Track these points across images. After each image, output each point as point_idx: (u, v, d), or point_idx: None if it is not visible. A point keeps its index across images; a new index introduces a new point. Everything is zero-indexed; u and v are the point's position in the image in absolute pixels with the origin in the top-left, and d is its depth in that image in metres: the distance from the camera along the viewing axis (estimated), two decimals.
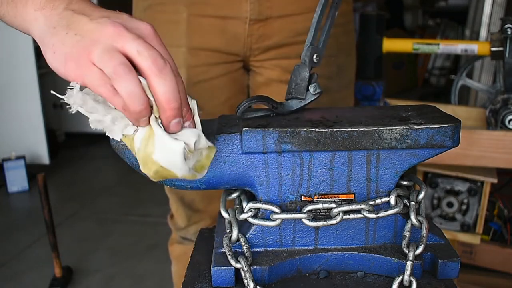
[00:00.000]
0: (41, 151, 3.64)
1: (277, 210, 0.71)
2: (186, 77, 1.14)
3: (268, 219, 0.72)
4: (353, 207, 0.71)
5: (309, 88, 0.78)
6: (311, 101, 0.78)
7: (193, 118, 0.63)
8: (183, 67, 1.13)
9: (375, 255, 0.74)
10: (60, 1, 0.61)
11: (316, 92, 0.78)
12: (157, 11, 1.13)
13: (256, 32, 1.10)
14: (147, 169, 0.61)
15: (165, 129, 0.59)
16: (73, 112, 0.61)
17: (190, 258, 0.80)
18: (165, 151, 0.59)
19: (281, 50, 1.12)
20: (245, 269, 0.69)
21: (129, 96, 0.56)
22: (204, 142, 0.62)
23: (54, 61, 0.60)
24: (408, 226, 0.72)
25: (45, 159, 3.64)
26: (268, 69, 1.15)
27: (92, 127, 0.62)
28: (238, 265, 0.70)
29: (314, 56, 0.79)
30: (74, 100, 0.60)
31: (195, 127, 0.62)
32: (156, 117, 0.59)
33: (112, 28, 0.57)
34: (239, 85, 1.19)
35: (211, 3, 1.08)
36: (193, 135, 0.61)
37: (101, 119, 0.60)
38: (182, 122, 0.61)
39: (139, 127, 0.60)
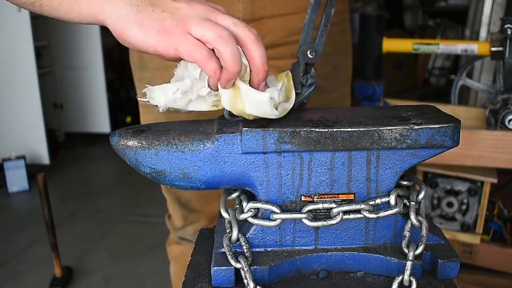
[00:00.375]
0: (41, 151, 3.64)
1: (277, 210, 0.71)
2: None
3: (268, 219, 0.72)
4: (353, 207, 0.71)
5: (302, 80, 0.78)
6: (308, 93, 0.78)
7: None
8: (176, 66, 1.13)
9: (375, 255, 0.74)
10: None
11: (308, 83, 0.78)
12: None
13: None
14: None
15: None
16: (164, 111, 0.68)
17: (190, 258, 0.80)
18: (255, 103, 0.67)
19: (275, 50, 1.12)
20: (245, 269, 0.69)
21: (232, 57, 0.62)
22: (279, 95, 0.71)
23: (141, 35, 0.64)
24: (408, 226, 0.72)
25: (45, 159, 3.64)
26: None
27: (187, 109, 0.70)
28: (238, 265, 0.70)
29: (308, 52, 0.79)
30: (156, 96, 0.68)
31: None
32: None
33: (201, 5, 0.64)
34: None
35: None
36: (274, 91, 0.70)
37: (187, 96, 0.68)
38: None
39: (224, 89, 0.67)
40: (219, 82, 0.67)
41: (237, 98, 0.68)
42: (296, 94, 0.77)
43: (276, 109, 0.68)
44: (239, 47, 0.64)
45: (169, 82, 0.66)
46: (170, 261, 1.42)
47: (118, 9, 0.65)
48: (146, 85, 0.69)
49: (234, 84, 0.67)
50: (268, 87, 0.71)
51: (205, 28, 0.62)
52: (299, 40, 0.79)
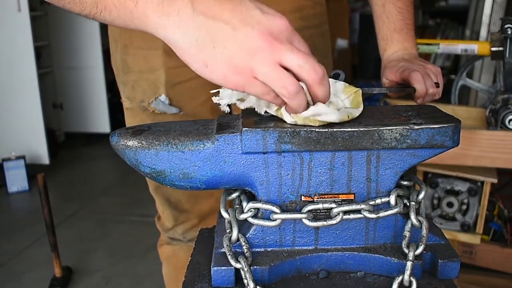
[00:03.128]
0: (41, 151, 3.64)
1: (277, 210, 0.71)
2: (165, 78, 1.14)
3: (268, 219, 0.72)
4: (353, 207, 0.71)
5: None
6: None
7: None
8: (161, 69, 1.13)
9: (375, 255, 0.74)
10: (181, 2, 0.60)
11: None
12: None
13: None
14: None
15: None
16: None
17: (185, 258, 0.80)
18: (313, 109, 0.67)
19: None
20: (245, 269, 0.69)
21: (298, 107, 0.64)
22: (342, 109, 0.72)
23: (208, 74, 0.62)
24: (408, 226, 0.72)
25: (45, 159, 3.64)
26: None
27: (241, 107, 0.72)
28: (238, 265, 0.70)
29: None
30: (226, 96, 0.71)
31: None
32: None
33: (262, 41, 0.60)
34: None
35: None
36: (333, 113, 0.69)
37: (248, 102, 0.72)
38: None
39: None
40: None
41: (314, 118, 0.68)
42: None
43: (348, 117, 0.69)
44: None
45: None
46: (162, 262, 1.42)
47: (174, 38, 0.62)
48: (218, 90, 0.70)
49: None
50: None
51: (271, 80, 0.61)
52: None
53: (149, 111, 1.17)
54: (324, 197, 0.72)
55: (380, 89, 0.87)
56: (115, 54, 1.20)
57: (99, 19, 0.64)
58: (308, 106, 0.66)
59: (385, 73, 1.04)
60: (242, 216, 0.72)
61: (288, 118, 0.69)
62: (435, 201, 1.73)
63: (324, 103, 0.66)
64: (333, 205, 0.71)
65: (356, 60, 5.74)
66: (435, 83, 0.96)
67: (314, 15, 1.18)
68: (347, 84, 0.76)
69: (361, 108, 0.73)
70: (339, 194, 0.72)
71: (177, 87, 1.15)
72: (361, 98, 0.75)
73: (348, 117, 0.70)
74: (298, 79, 0.62)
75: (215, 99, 0.72)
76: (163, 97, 1.15)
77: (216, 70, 0.61)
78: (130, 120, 1.21)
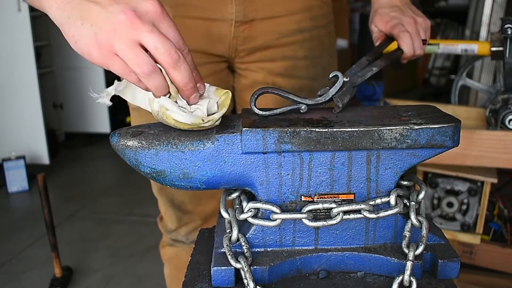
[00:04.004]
0: (41, 151, 3.63)
1: (277, 210, 0.71)
2: None
3: (268, 219, 0.72)
4: (353, 207, 0.71)
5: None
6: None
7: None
8: None
9: (375, 255, 0.74)
10: None
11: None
12: None
13: (241, 34, 1.10)
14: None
15: (187, 102, 0.70)
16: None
17: (189, 258, 0.80)
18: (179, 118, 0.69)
19: (266, 52, 1.13)
20: (245, 269, 0.69)
21: (155, 89, 0.66)
22: (214, 106, 0.73)
23: (78, 50, 0.66)
24: (408, 226, 0.72)
25: (45, 159, 3.64)
26: (253, 71, 1.15)
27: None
28: (238, 265, 0.70)
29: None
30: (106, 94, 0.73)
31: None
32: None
33: (124, 16, 0.63)
34: (224, 86, 1.18)
35: (196, 4, 1.08)
36: (204, 103, 0.71)
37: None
38: (199, 93, 0.70)
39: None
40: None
41: (165, 112, 0.70)
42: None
43: (203, 120, 0.69)
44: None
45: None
46: (164, 263, 1.42)
47: (55, 17, 0.67)
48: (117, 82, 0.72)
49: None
50: (202, 98, 0.72)
51: (127, 56, 0.63)
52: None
53: None
54: (324, 197, 0.72)
55: (372, 71, 0.87)
56: None
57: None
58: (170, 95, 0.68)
59: (374, 20, 1.05)
60: (242, 216, 0.72)
61: (147, 106, 0.70)
62: (435, 201, 1.73)
63: (185, 89, 0.67)
64: (333, 205, 0.71)
65: (356, 60, 5.72)
66: (423, 40, 0.98)
67: (323, 15, 1.19)
68: (218, 87, 0.76)
69: (223, 110, 0.73)
70: (339, 194, 0.72)
71: None
72: (228, 101, 0.74)
73: (203, 120, 0.69)
74: (155, 61, 0.64)
75: (133, 104, 0.74)
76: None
77: (82, 46, 0.65)
78: (136, 120, 1.20)
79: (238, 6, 1.07)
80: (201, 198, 1.25)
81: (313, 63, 1.16)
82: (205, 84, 0.73)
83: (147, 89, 0.67)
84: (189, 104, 0.70)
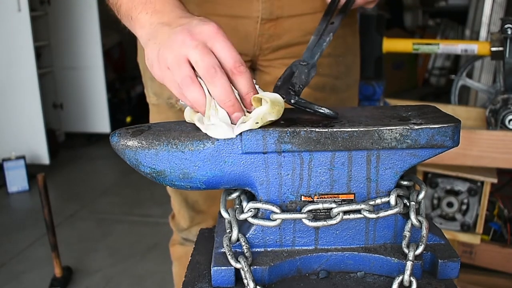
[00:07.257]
0: (41, 151, 3.63)
1: (277, 210, 0.71)
2: None
3: (268, 219, 0.72)
4: (353, 207, 0.71)
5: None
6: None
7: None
8: None
9: (375, 255, 0.74)
10: (156, 17, 0.76)
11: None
12: None
13: (267, 31, 1.10)
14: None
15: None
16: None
17: (190, 258, 0.80)
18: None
19: (290, 49, 1.13)
20: (245, 269, 0.69)
21: (193, 102, 0.70)
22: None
23: (148, 66, 0.75)
24: (408, 226, 0.72)
25: (45, 159, 3.64)
26: (276, 68, 1.15)
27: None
28: (238, 265, 0.70)
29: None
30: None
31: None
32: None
33: (180, 35, 0.70)
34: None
35: (222, 2, 1.08)
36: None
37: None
38: (244, 113, 0.70)
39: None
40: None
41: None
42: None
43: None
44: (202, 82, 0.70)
45: None
46: (173, 261, 1.42)
47: (141, 34, 0.78)
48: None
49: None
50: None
51: (173, 69, 0.70)
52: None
53: (176, 108, 1.16)
54: (324, 197, 0.72)
55: (329, 36, 0.87)
56: (140, 50, 1.19)
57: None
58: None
59: None
60: (242, 216, 0.72)
61: (190, 119, 0.73)
62: (435, 201, 1.74)
63: (222, 105, 0.69)
64: (333, 205, 0.71)
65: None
66: None
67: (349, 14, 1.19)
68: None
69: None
70: (339, 194, 0.72)
71: None
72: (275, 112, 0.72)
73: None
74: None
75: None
76: None
77: (149, 61, 0.74)
78: (155, 117, 1.20)
79: (265, 3, 1.07)
80: (216, 199, 1.24)
81: (336, 61, 1.16)
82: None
83: (187, 102, 0.71)
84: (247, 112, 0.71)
